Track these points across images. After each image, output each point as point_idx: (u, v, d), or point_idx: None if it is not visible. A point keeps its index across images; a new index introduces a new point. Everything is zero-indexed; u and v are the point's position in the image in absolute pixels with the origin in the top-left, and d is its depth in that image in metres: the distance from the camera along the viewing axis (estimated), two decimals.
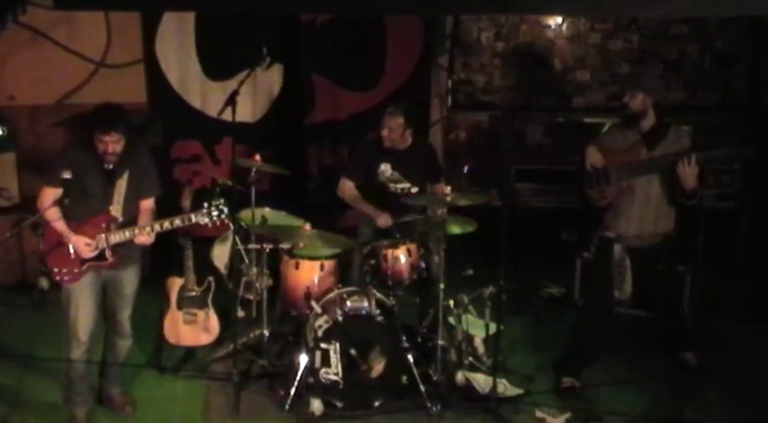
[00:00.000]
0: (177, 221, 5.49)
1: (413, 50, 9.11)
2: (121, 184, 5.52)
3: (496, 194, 6.70)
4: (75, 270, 5.50)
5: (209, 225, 5.54)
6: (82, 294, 5.55)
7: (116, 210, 5.51)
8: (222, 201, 5.54)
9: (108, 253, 5.51)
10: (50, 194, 5.45)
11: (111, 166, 5.46)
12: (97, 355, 5.91)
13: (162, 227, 5.48)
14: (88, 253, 5.46)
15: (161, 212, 8.00)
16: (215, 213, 5.49)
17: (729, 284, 7.99)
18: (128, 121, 5.49)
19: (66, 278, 5.51)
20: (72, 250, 5.46)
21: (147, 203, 5.71)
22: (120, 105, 5.70)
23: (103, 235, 5.46)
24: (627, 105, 6.06)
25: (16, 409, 5.98)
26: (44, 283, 7.40)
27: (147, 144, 5.82)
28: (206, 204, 5.50)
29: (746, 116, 8.90)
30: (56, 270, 5.52)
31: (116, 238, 5.47)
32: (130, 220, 5.58)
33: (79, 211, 5.49)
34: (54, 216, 5.45)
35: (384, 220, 6.76)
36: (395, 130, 6.83)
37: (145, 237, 5.48)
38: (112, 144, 5.37)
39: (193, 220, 5.50)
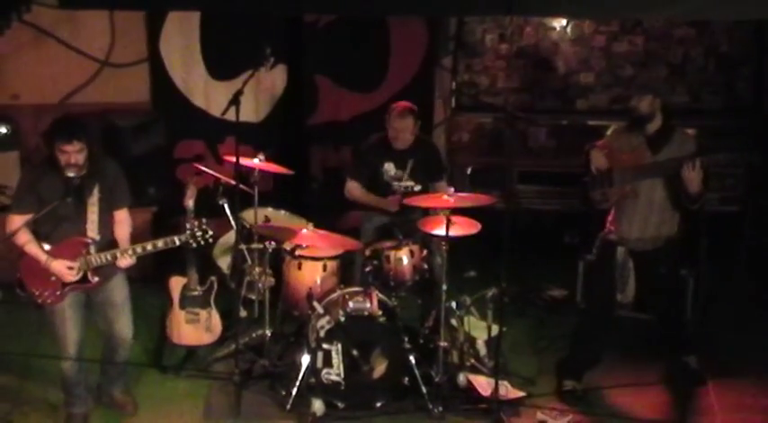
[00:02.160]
0: (160, 244, 5.43)
1: (416, 51, 9.12)
2: (93, 202, 5.41)
3: (499, 196, 6.68)
4: (58, 292, 5.41)
5: (194, 246, 5.51)
6: (66, 312, 5.48)
7: (92, 230, 5.41)
8: (206, 221, 5.51)
9: (90, 275, 5.42)
10: (17, 221, 5.34)
11: (78, 181, 5.31)
12: (94, 355, 5.90)
13: (144, 250, 5.41)
14: (71, 277, 5.37)
15: (164, 211, 8.05)
16: (199, 234, 5.46)
17: (732, 288, 7.99)
18: (89, 132, 5.38)
19: (48, 300, 5.43)
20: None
21: (122, 214, 5.60)
22: (80, 117, 5.66)
23: (83, 259, 5.36)
24: (635, 108, 6.03)
25: (18, 407, 5.98)
26: None
27: (112, 154, 5.74)
28: (188, 225, 5.46)
29: (750, 120, 8.89)
30: (37, 293, 5.42)
31: (98, 260, 5.38)
32: (108, 236, 5.50)
33: (54, 235, 5.41)
34: (24, 239, 5.36)
35: (394, 203, 6.76)
36: (407, 130, 6.85)
37: (127, 260, 5.42)
38: (75, 154, 5.24)
39: (177, 242, 5.45)
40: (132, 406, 5.98)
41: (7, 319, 7.11)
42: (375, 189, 6.97)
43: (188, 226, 5.45)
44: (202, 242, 5.49)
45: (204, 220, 5.51)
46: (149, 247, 5.40)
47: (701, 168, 5.75)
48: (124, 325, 5.70)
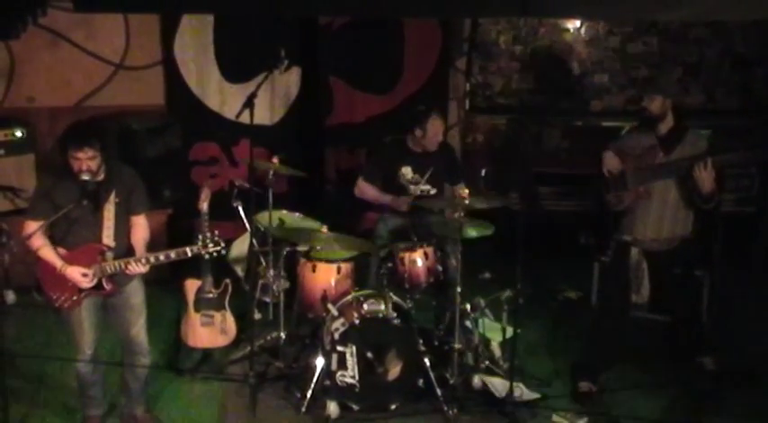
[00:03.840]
0: (173, 255, 5.40)
1: (430, 53, 9.12)
2: (109, 209, 5.40)
3: (514, 198, 6.69)
4: (75, 297, 5.41)
5: (207, 257, 5.52)
6: (82, 314, 5.47)
7: (108, 236, 5.40)
8: (218, 233, 5.50)
9: (105, 282, 5.41)
10: (32, 227, 5.33)
11: (94, 186, 5.29)
12: (112, 359, 5.93)
13: (157, 260, 5.38)
14: (85, 284, 5.36)
15: (179, 213, 8.07)
16: (211, 246, 5.43)
17: (748, 289, 7.95)
18: (103, 139, 5.36)
19: (66, 305, 5.43)
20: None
21: (139, 220, 5.58)
22: (95, 123, 5.62)
23: (98, 266, 5.35)
24: (646, 109, 6.04)
25: (35, 409, 6.01)
26: None
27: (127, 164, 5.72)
28: (200, 237, 5.45)
29: (766, 120, 8.85)
30: (54, 297, 5.43)
31: (112, 268, 5.36)
32: (124, 243, 5.50)
33: (68, 239, 5.41)
34: (38, 243, 5.35)
35: (404, 202, 6.76)
36: (440, 132, 6.87)
37: (140, 268, 5.38)
38: (87, 161, 5.22)
39: (189, 254, 5.42)
40: None
41: (22, 321, 7.14)
42: (389, 192, 6.97)
43: (200, 237, 5.44)
44: (215, 254, 5.48)
45: (217, 232, 5.50)
46: (162, 257, 5.39)
47: (713, 167, 5.73)
48: (141, 328, 5.68)
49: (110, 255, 5.40)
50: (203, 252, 5.45)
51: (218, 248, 5.47)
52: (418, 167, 6.95)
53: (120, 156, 7.15)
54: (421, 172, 6.94)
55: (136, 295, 5.63)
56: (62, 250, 5.40)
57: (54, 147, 8.08)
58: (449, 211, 6.60)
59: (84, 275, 5.34)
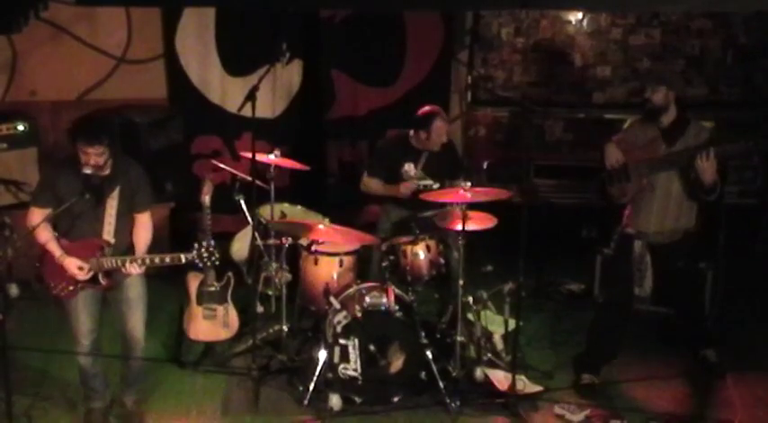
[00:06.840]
0: (168, 259, 5.39)
1: (432, 46, 9.10)
2: (112, 204, 5.41)
3: (516, 191, 6.68)
4: (71, 287, 5.43)
5: (201, 265, 5.50)
6: (80, 304, 5.50)
7: (108, 232, 5.41)
8: (214, 243, 5.47)
9: (101, 277, 5.42)
10: (38, 214, 5.37)
11: (98, 181, 5.32)
12: (112, 351, 5.93)
13: (152, 262, 5.38)
14: (81, 277, 5.37)
15: (181, 206, 8.06)
16: (205, 255, 5.40)
17: (751, 281, 7.94)
18: (113, 135, 5.37)
19: (62, 294, 5.45)
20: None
21: (142, 218, 5.58)
22: (106, 119, 5.59)
23: (95, 260, 5.35)
24: (649, 100, 6.02)
25: (38, 401, 6.01)
26: None
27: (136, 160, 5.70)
28: (196, 245, 5.42)
29: None
30: (52, 285, 5.46)
31: (108, 264, 5.36)
32: (125, 241, 5.51)
33: (71, 232, 5.43)
34: (45, 237, 5.39)
35: (409, 188, 6.75)
36: (442, 135, 6.87)
37: (134, 268, 5.38)
38: (95, 156, 5.24)
39: (183, 260, 5.40)
40: (140, 420, 5.90)
41: (25, 315, 7.15)
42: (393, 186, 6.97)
43: (196, 246, 5.43)
44: (208, 263, 5.45)
45: (213, 243, 5.47)
46: (157, 260, 5.39)
47: (714, 158, 5.72)
48: (137, 323, 5.69)
49: (108, 251, 5.41)
50: (197, 260, 5.43)
51: (213, 259, 5.45)
52: (420, 164, 6.94)
53: (122, 149, 7.15)
54: (423, 168, 6.94)
55: (133, 290, 5.63)
56: (63, 241, 5.43)
57: (58, 139, 8.10)
58: (451, 204, 6.61)
59: (80, 268, 5.36)
